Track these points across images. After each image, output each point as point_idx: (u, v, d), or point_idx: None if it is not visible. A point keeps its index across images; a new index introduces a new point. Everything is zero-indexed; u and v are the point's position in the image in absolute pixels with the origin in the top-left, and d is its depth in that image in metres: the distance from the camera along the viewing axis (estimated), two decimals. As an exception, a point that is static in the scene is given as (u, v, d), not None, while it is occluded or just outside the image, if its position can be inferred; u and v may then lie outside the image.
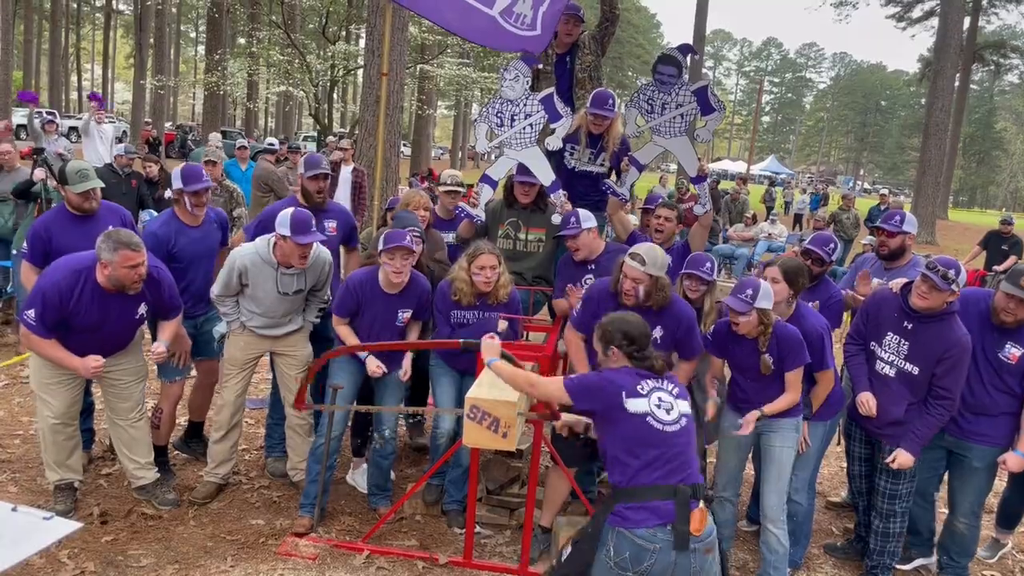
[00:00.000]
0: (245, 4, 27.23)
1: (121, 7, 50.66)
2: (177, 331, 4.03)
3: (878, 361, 3.72)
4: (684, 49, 4.58)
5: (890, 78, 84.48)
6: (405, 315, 4.00)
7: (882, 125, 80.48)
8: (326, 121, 22.67)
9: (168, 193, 4.46)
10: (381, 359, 3.93)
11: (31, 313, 3.49)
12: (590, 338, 3.65)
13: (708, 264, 3.86)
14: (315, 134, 26.65)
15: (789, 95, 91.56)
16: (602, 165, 4.74)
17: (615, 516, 2.66)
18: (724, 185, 20.67)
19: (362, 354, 3.91)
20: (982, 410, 3.68)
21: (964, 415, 3.69)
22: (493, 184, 4.77)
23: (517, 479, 4.28)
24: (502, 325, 3.86)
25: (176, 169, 4.26)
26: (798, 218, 20.85)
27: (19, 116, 22.53)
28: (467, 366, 3.94)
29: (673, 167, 27.95)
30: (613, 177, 4.81)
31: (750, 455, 3.89)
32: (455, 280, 3.89)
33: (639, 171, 4.71)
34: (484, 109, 4.69)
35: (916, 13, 38.77)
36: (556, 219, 4.48)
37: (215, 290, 4.04)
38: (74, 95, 50.94)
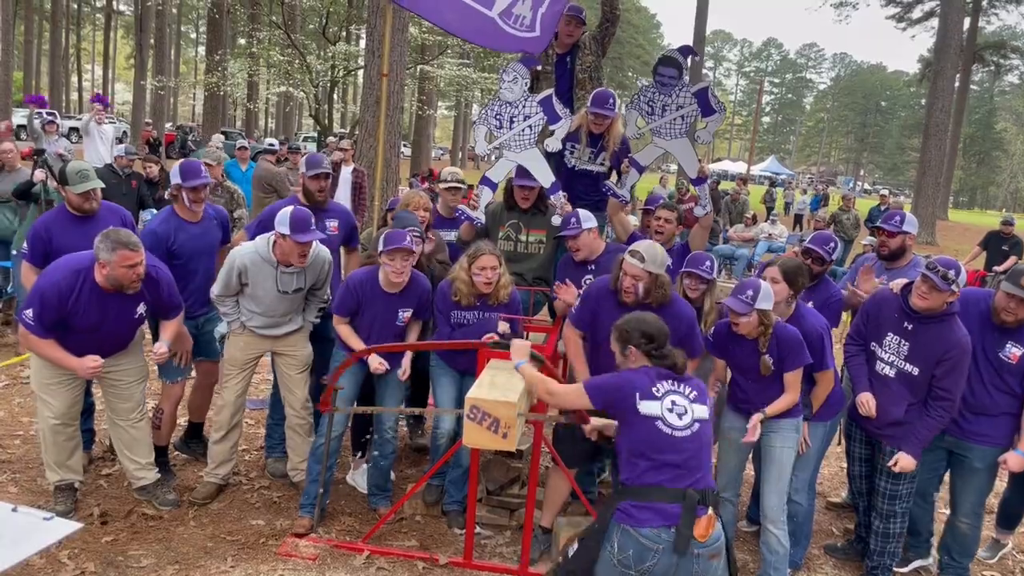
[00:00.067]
0: (245, 5, 27.23)
1: (121, 8, 50.69)
2: (179, 330, 4.03)
3: (878, 361, 3.72)
4: (684, 51, 4.58)
5: (890, 79, 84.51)
6: (405, 315, 4.00)
7: (882, 126, 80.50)
8: (326, 122, 22.68)
9: (167, 193, 4.46)
10: (381, 357, 3.94)
11: (29, 313, 3.49)
12: (588, 336, 3.67)
13: (707, 263, 3.86)
14: (315, 135, 26.66)
15: (789, 96, 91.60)
16: (602, 164, 4.75)
17: (621, 513, 2.67)
18: (724, 186, 20.67)
19: (363, 354, 3.92)
20: (982, 410, 3.68)
21: (964, 415, 3.69)
22: (493, 186, 4.77)
23: (517, 480, 4.28)
24: (503, 327, 3.86)
25: (175, 165, 4.26)
26: (798, 219, 20.86)
27: (19, 116, 22.55)
28: (467, 366, 3.94)
29: (673, 167, 27.95)
30: (614, 178, 4.81)
31: (750, 455, 3.89)
32: (455, 280, 3.89)
33: (639, 173, 4.71)
34: (483, 111, 4.69)
35: (916, 14, 38.80)
36: (556, 221, 4.48)
37: (215, 290, 4.04)
38: (74, 96, 50.96)
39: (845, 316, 4.65)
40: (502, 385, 3.34)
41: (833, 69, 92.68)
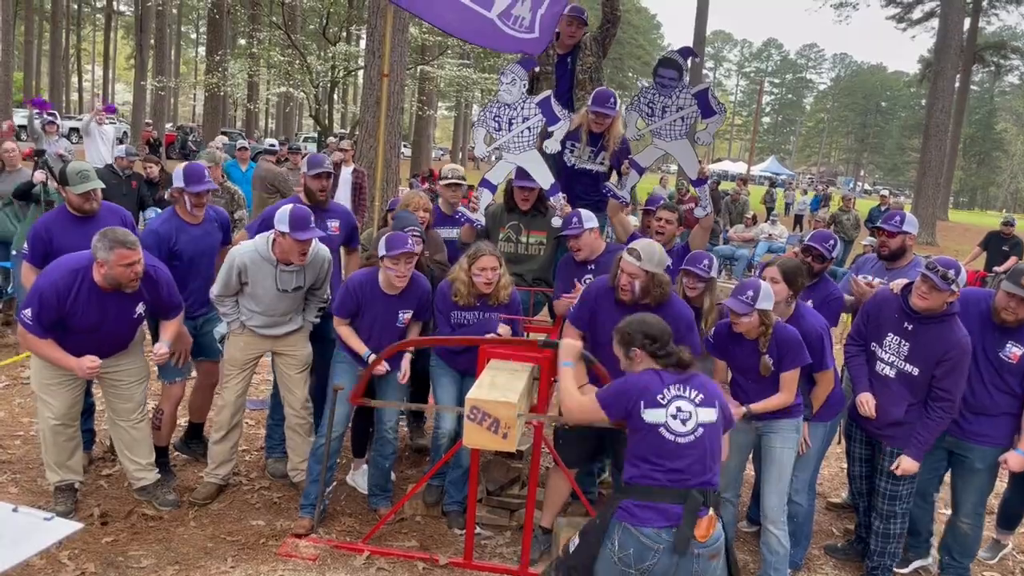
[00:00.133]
0: (246, 5, 27.26)
1: (122, 8, 50.70)
2: (179, 330, 4.03)
3: (878, 362, 3.72)
4: (685, 52, 4.59)
5: (890, 79, 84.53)
6: (405, 316, 4.00)
7: (882, 126, 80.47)
8: (326, 122, 22.68)
9: (167, 194, 4.46)
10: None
11: (28, 312, 3.50)
12: (588, 335, 3.66)
13: (706, 261, 3.85)
14: (315, 135, 26.66)
15: (789, 96, 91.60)
16: (602, 164, 4.75)
17: (623, 511, 2.67)
18: (724, 186, 20.68)
19: (364, 354, 3.92)
20: (982, 410, 3.68)
21: (965, 415, 3.69)
22: (492, 188, 4.77)
23: (517, 480, 4.28)
24: (504, 329, 3.86)
25: (179, 168, 4.25)
26: (798, 219, 20.85)
27: (19, 117, 22.53)
28: (467, 367, 3.94)
29: (673, 168, 27.95)
30: (614, 179, 4.82)
31: (750, 456, 3.89)
32: (455, 281, 3.89)
33: (640, 174, 4.71)
34: (482, 113, 4.69)
35: (916, 14, 38.81)
36: (556, 222, 4.48)
37: (215, 290, 4.04)
38: (75, 96, 50.96)
39: (845, 316, 4.65)
40: (502, 385, 3.34)
41: (833, 69, 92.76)
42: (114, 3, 49.09)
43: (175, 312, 3.94)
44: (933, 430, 3.59)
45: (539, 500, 3.92)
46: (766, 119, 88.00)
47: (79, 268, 3.54)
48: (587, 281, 4.05)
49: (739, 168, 44.27)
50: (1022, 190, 71.96)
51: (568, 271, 4.22)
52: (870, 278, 4.17)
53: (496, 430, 3.20)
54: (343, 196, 8.32)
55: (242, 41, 31.30)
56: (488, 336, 3.79)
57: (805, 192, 26.53)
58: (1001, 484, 4.21)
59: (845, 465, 4.49)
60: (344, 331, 3.98)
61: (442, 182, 5.10)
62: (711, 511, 2.65)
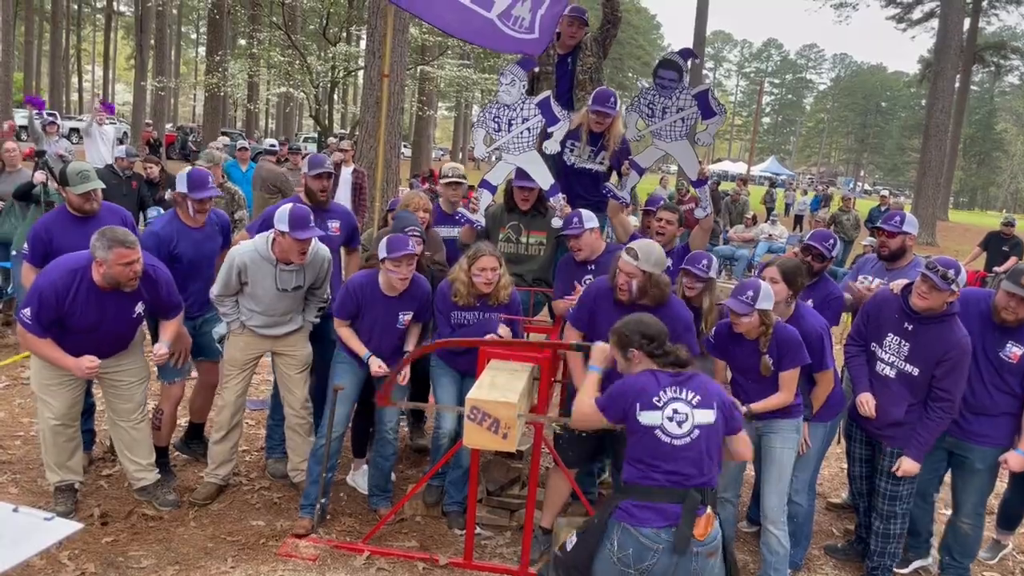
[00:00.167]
0: (246, 5, 27.24)
1: (122, 8, 50.70)
2: (178, 331, 4.03)
3: (878, 362, 3.72)
4: (685, 54, 4.59)
5: (890, 79, 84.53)
6: (406, 317, 4.00)
7: (882, 126, 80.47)
8: (327, 122, 22.68)
9: (168, 194, 4.45)
10: (382, 361, 3.94)
11: (27, 312, 3.50)
12: (588, 336, 3.66)
13: (705, 261, 3.85)
14: (316, 135, 26.67)
15: (789, 96, 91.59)
16: (601, 163, 4.75)
17: (622, 512, 2.67)
18: (724, 186, 20.67)
19: (364, 355, 3.92)
20: (983, 410, 3.68)
21: (965, 416, 3.69)
22: (492, 189, 4.77)
23: (517, 480, 4.29)
24: (503, 330, 3.86)
25: (183, 172, 4.23)
26: (799, 219, 20.85)
27: (20, 117, 22.52)
28: (468, 367, 3.94)
29: (673, 168, 27.93)
30: (614, 180, 4.82)
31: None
32: (454, 281, 3.90)
33: (640, 174, 4.72)
34: (482, 114, 4.69)
35: (916, 14, 38.82)
36: (556, 223, 4.48)
37: (215, 290, 4.04)
38: (75, 96, 50.97)
39: (846, 316, 4.64)
40: (502, 386, 3.35)
41: (833, 70, 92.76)
42: (114, 3, 49.09)
43: (174, 312, 3.94)
44: (933, 430, 3.59)
45: (539, 500, 3.92)
46: (766, 119, 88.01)
47: (78, 268, 3.54)
48: (587, 281, 4.05)
49: (739, 168, 44.27)
50: (1022, 190, 71.96)
51: (568, 271, 4.22)
52: (869, 280, 4.17)
53: (496, 430, 3.21)
54: (343, 196, 8.32)
55: (242, 41, 31.30)
56: (495, 338, 3.78)
57: (805, 192, 26.53)
58: (1001, 484, 4.21)
59: (845, 465, 4.49)
60: (344, 332, 3.98)
61: (442, 180, 5.11)
62: (708, 509, 2.66)
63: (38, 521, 2.66)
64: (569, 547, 2.83)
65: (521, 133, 4.52)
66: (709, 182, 5.52)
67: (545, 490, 4.03)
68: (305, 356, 4.23)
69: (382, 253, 3.78)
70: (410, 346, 4.08)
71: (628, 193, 4.81)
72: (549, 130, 4.54)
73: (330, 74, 21.45)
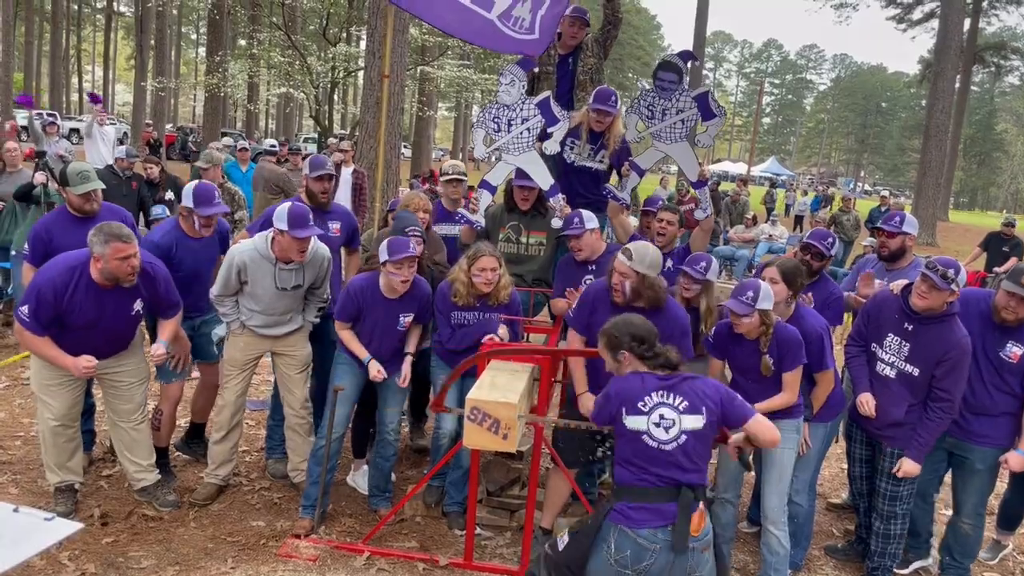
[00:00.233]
0: (246, 6, 27.24)
1: (122, 9, 50.72)
2: (176, 332, 4.03)
3: (878, 362, 3.72)
4: (685, 56, 4.60)
5: (890, 80, 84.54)
6: (406, 319, 4.00)
7: (883, 127, 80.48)
8: (327, 123, 22.68)
9: (169, 194, 4.45)
10: (382, 364, 3.94)
11: (25, 309, 3.49)
12: (588, 338, 3.66)
13: (703, 263, 3.85)
14: (316, 136, 26.67)
15: (789, 96, 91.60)
16: (601, 162, 4.75)
17: (617, 514, 2.67)
18: (724, 187, 20.67)
19: (364, 359, 3.92)
20: (983, 410, 3.68)
21: (965, 416, 3.69)
22: (492, 189, 4.77)
23: (517, 480, 4.29)
24: (503, 330, 3.86)
25: (188, 187, 4.17)
26: (799, 220, 20.85)
27: (20, 117, 22.53)
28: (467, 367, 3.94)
29: (673, 169, 27.92)
30: (615, 180, 4.82)
31: (751, 456, 3.88)
32: (454, 281, 3.90)
33: (640, 176, 4.72)
34: (481, 114, 4.69)
35: (916, 15, 38.84)
36: (556, 223, 4.49)
37: (215, 290, 4.04)
38: (75, 97, 50.98)
39: (847, 317, 4.64)
40: (502, 386, 3.35)
41: (833, 70, 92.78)
42: (114, 4, 49.11)
43: (173, 310, 3.94)
44: (933, 431, 3.59)
45: (539, 501, 3.92)
46: (766, 120, 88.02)
47: (76, 265, 3.54)
48: (587, 282, 4.05)
49: (739, 169, 44.28)
50: (1022, 191, 71.95)
51: (568, 271, 4.22)
52: (878, 283, 4.14)
53: (496, 431, 3.21)
54: (343, 197, 8.32)
55: (242, 42, 31.29)
56: (504, 340, 3.78)
57: (805, 193, 26.54)
58: (1001, 484, 4.21)
59: (845, 466, 4.49)
60: (345, 335, 3.98)
61: (443, 178, 5.11)
62: (701, 504, 2.67)
63: (38, 521, 2.67)
64: (561, 546, 2.82)
65: (521, 133, 4.52)
66: (709, 183, 5.53)
67: (545, 490, 4.03)
68: (305, 356, 4.23)
69: (383, 256, 3.77)
70: (410, 348, 4.08)
71: (628, 194, 4.81)
72: (549, 130, 4.54)
73: (330, 75, 21.45)
